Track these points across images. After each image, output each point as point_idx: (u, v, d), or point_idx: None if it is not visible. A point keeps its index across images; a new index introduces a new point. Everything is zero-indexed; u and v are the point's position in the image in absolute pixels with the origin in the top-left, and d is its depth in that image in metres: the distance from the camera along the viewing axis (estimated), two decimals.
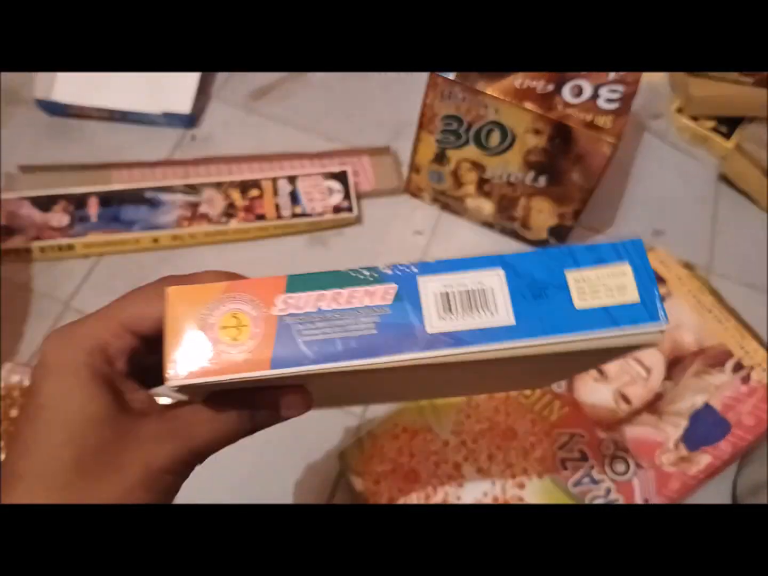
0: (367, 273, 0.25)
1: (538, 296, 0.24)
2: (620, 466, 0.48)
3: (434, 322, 0.24)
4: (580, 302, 0.24)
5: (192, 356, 0.23)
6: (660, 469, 0.48)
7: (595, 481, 0.47)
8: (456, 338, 0.24)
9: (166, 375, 0.23)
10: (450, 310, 0.24)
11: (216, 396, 0.26)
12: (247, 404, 0.26)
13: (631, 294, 0.24)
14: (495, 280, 0.25)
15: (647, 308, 0.24)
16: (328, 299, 0.24)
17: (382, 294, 0.24)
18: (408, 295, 0.24)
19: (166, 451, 0.24)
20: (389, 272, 0.25)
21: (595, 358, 0.31)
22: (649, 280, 0.25)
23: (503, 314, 0.24)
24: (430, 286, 0.24)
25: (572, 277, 0.25)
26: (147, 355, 0.26)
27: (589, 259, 0.25)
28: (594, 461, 0.48)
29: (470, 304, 0.24)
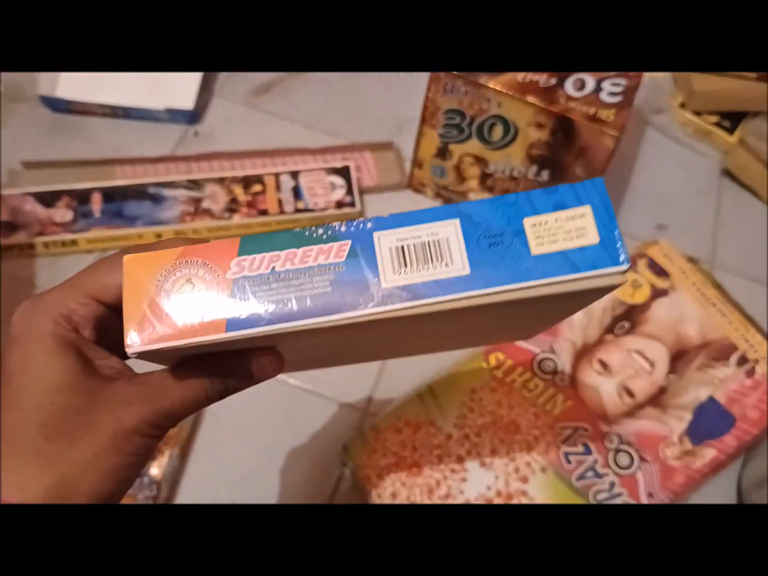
0: (321, 231, 0.24)
1: (494, 244, 0.24)
2: (624, 460, 0.48)
3: (389, 276, 0.24)
4: (537, 248, 0.24)
5: (149, 323, 0.23)
6: (664, 463, 0.48)
7: (599, 475, 0.47)
8: (411, 291, 0.24)
9: (126, 342, 0.23)
10: (405, 263, 0.24)
11: (185, 361, 0.26)
12: (218, 368, 0.26)
13: (591, 236, 0.24)
14: (451, 231, 0.24)
15: (607, 250, 0.23)
16: (282, 260, 0.24)
17: (337, 251, 0.24)
18: (363, 251, 0.24)
19: (135, 413, 0.25)
20: (343, 229, 0.24)
21: (563, 305, 0.30)
22: (610, 221, 0.24)
23: (458, 264, 0.24)
24: (385, 241, 0.24)
25: (530, 222, 0.24)
26: (118, 324, 0.26)
27: (547, 203, 0.24)
28: (598, 455, 0.48)
29: (425, 256, 0.24)
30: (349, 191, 0.58)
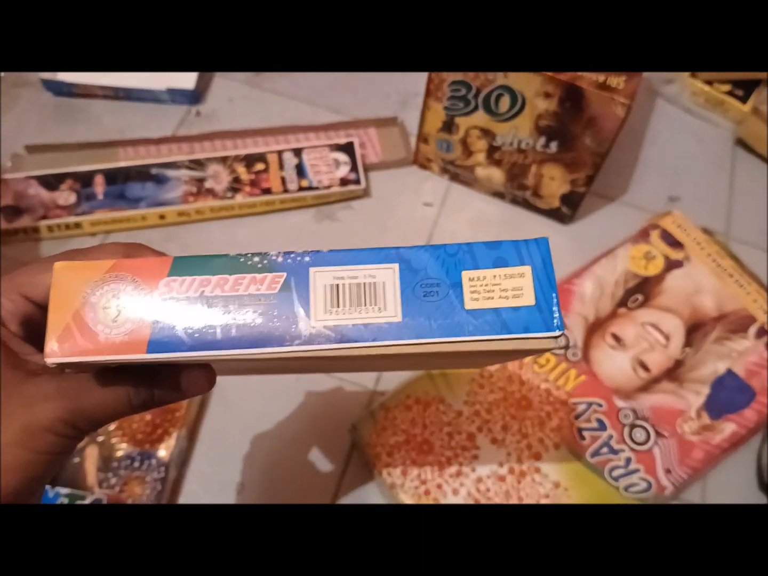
0: (256, 260, 0.24)
1: (429, 294, 0.23)
2: (640, 435, 0.47)
3: (319, 314, 0.23)
4: (471, 303, 0.23)
5: (71, 335, 0.23)
6: (682, 438, 0.47)
7: (614, 451, 0.46)
8: (339, 333, 0.23)
9: (45, 353, 0.23)
10: (338, 303, 0.23)
11: (111, 369, 0.25)
12: (145, 378, 0.26)
13: (527, 298, 0.23)
14: (388, 275, 0.24)
15: (542, 314, 0.23)
16: (212, 285, 0.23)
17: (270, 282, 0.24)
18: (297, 286, 0.23)
19: (51, 409, 0.24)
20: (280, 260, 0.24)
21: (495, 357, 0.30)
22: (549, 284, 0.23)
23: (391, 311, 0.23)
24: (320, 278, 0.24)
25: (468, 276, 0.24)
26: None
27: (489, 258, 0.24)
28: (613, 430, 0.47)
29: (359, 297, 0.23)
30: (354, 168, 0.57)
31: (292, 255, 0.24)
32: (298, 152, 0.57)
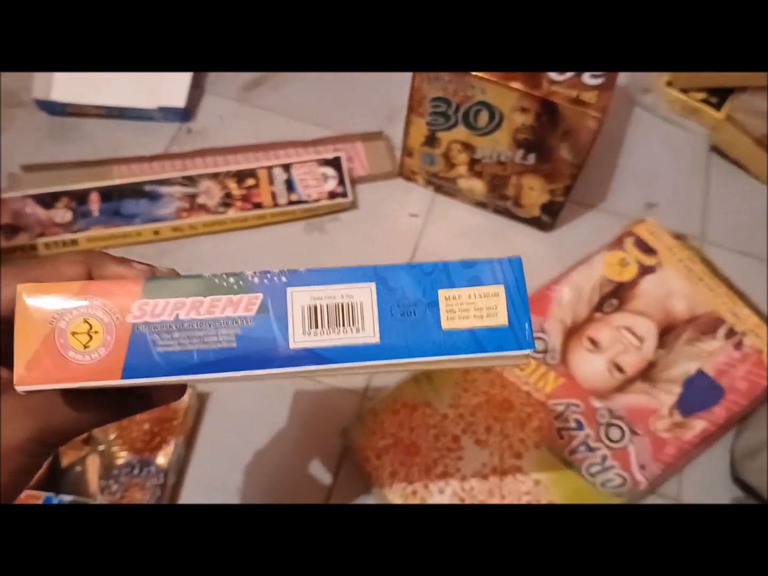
0: (232, 281, 0.23)
1: (406, 314, 0.24)
2: (616, 434, 0.49)
3: (298, 336, 0.23)
4: (447, 323, 0.24)
5: (40, 361, 0.22)
6: (655, 435, 0.49)
7: (591, 449, 0.48)
8: (318, 355, 0.23)
9: (15, 380, 0.22)
10: (316, 324, 0.23)
11: None
12: (116, 393, 0.25)
13: (500, 317, 0.24)
14: (366, 294, 0.24)
15: (515, 333, 0.24)
16: (187, 307, 0.23)
17: (246, 304, 0.23)
18: (274, 307, 0.23)
19: (21, 429, 0.23)
20: (256, 281, 0.24)
21: (471, 368, 0.31)
22: (521, 302, 0.24)
23: (369, 331, 0.24)
24: (298, 298, 0.24)
25: (444, 295, 0.24)
26: (7, 336, 0.25)
27: (463, 277, 0.24)
28: (590, 430, 0.49)
29: (337, 318, 0.24)
30: (341, 181, 0.59)
31: (269, 275, 0.24)
32: (287, 167, 0.59)
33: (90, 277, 0.25)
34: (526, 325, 0.24)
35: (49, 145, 0.62)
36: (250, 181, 0.59)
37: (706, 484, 0.51)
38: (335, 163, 0.60)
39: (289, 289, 0.24)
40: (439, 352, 0.24)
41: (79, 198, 0.57)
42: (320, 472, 0.50)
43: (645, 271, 0.54)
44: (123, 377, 0.23)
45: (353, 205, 0.60)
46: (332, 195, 0.59)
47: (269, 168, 0.59)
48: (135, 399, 0.26)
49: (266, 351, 0.23)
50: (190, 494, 0.49)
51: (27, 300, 0.23)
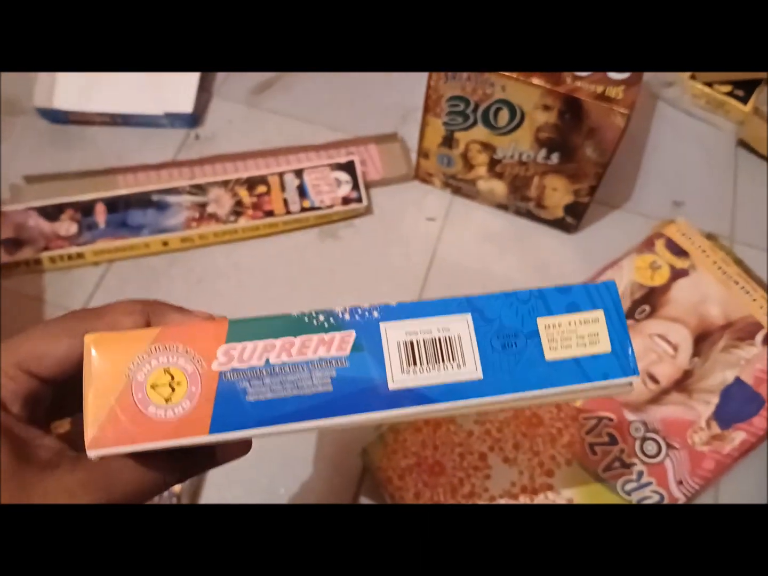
0: (322, 318, 0.22)
1: (507, 345, 0.23)
2: (651, 448, 0.47)
3: (397, 376, 0.22)
4: (550, 353, 0.23)
5: (117, 421, 0.20)
6: (693, 449, 0.46)
7: (626, 465, 0.46)
8: (420, 395, 0.22)
9: (87, 444, 0.20)
10: (414, 361, 0.22)
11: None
12: (179, 455, 0.23)
13: (603, 344, 0.23)
14: (462, 327, 0.23)
15: (619, 360, 0.23)
16: (277, 350, 0.21)
17: (339, 343, 0.22)
18: (368, 345, 0.22)
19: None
20: (347, 318, 0.22)
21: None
22: (621, 327, 0.23)
23: (470, 367, 0.22)
24: (392, 334, 0.22)
25: (543, 323, 0.23)
26: (56, 398, 0.23)
27: (561, 303, 0.23)
28: (624, 444, 0.47)
29: (436, 354, 0.22)
30: (355, 186, 0.57)
31: (359, 311, 0.22)
32: (299, 173, 0.57)
33: (149, 326, 0.23)
34: (629, 350, 0.23)
35: (52, 153, 0.60)
36: (261, 188, 0.56)
37: (743, 497, 0.48)
38: (349, 167, 0.57)
39: (382, 325, 0.22)
40: (546, 385, 0.23)
41: (84, 209, 0.55)
42: (340, 494, 0.48)
43: (677, 274, 0.52)
44: (211, 432, 0.21)
45: (368, 210, 0.58)
46: (346, 200, 0.57)
47: (281, 174, 0.57)
48: (201, 457, 0.24)
49: (365, 393, 0.22)
50: None
51: (97, 352, 0.21)
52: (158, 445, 0.20)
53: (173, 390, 0.21)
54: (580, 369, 0.23)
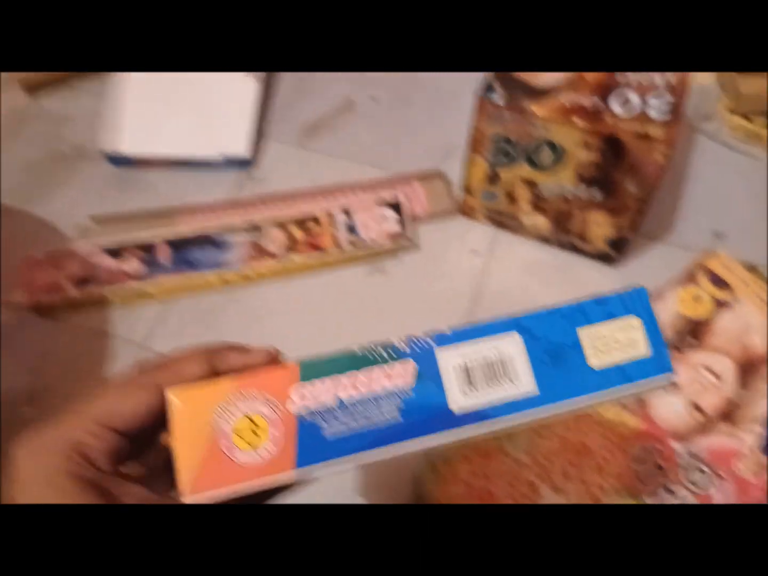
0: (382, 351, 0.24)
1: (555, 358, 0.25)
2: (698, 477, 0.47)
3: (457, 398, 0.24)
4: (595, 361, 0.25)
5: (207, 469, 0.22)
6: (739, 478, 0.47)
7: (672, 493, 0.47)
8: (481, 414, 0.24)
9: (181, 494, 0.22)
10: (471, 383, 0.24)
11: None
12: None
13: (642, 348, 0.25)
14: (513, 347, 0.25)
15: (658, 360, 0.25)
16: (346, 386, 0.23)
17: (402, 373, 0.24)
18: (428, 372, 0.24)
19: None
20: (406, 348, 0.24)
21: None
22: (656, 330, 0.25)
23: (526, 383, 0.24)
24: (449, 360, 0.24)
25: (585, 334, 0.25)
26: (133, 449, 0.24)
27: (599, 313, 0.25)
28: (670, 473, 0.47)
29: (491, 374, 0.24)
30: (401, 222, 0.59)
31: (415, 340, 0.24)
32: (348, 211, 0.60)
33: (215, 371, 0.24)
34: (664, 350, 0.25)
35: (116, 196, 0.63)
36: (313, 226, 0.59)
37: None
38: (395, 204, 0.60)
39: (437, 351, 0.24)
40: (595, 389, 0.25)
41: (148, 248, 0.58)
42: None
43: (720, 306, 0.53)
44: (298, 466, 0.23)
45: (414, 246, 0.60)
46: (393, 236, 0.59)
47: (330, 212, 0.60)
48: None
49: (430, 418, 0.24)
50: None
51: (180, 406, 0.22)
52: (249, 486, 0.22)
53: (258, 435, 0.22)
54: (622, 372, 0.25)
